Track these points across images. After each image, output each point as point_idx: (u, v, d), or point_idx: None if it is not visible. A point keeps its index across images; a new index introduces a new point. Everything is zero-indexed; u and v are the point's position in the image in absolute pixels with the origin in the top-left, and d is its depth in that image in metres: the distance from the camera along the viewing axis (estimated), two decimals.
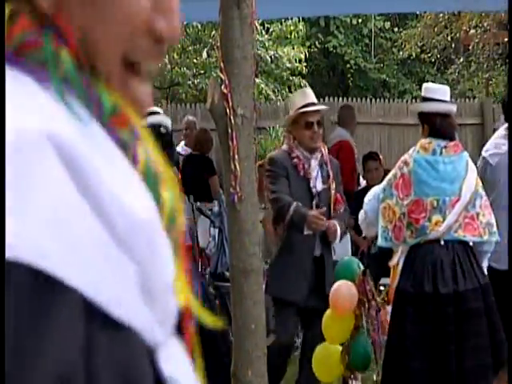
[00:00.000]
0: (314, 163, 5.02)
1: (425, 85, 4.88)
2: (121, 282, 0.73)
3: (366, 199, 4.78)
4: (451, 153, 4.56)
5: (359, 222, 4.85)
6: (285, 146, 5.12)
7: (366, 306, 4.71)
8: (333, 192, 5.05)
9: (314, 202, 4.98)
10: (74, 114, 0.75)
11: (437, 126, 4.57)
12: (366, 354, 4.71)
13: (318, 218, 4.80)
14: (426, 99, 4.66)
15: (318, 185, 5.03)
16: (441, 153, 4.54)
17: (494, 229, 4.54)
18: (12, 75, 0.75)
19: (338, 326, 4.67)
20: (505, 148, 5.22)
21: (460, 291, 4.35)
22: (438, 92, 4.66)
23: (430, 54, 15.90)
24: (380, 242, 4.63)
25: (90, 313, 0.71)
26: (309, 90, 5.27)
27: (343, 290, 4.64)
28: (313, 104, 5.08)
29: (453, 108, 4.68)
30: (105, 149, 0.76)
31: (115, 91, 0.79)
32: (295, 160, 4.97)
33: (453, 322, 4.31)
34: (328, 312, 4.66)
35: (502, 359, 4.38)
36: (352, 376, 4.81)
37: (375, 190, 4.75)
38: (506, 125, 5.37)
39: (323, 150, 5.13)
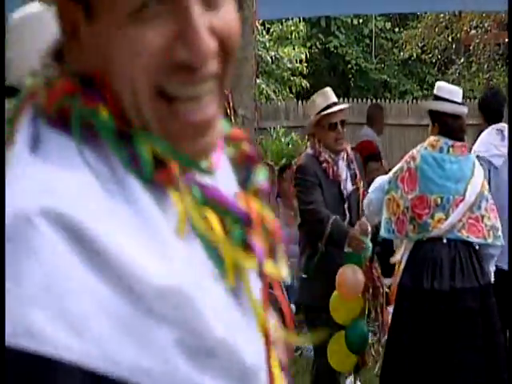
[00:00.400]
0: (342, 164, 4.92)
1: (438, 83, 4.89)
2: (146, 349, 0.71)
3: (372, 187, 4.79)
4: (458, 153, 4.58)
5: (364, 208, 4.84)
6: (310, 150, 4.98)
7: (371, 292, 4.72)
8: (361, 191, 5.01)
9: (345, 206, 4.89)
10: (103, 180, 0.75)
11: (448, 126, 4.59)
12: (362, 336, 4.69)
13: (359, 239, 4.70)
14: (438, 98, 4.67)
15: (348, 186, 4.94)
16: (448, 151, 4.56)
17: (499, 233, 4.54)
18: (50, 144, 0.76)
19: (344, 308, 4.67)
20: (504, 149, 5.36)
21: (457, 288, 4.36)
22: (451, 92, 4.68)
23: (430, 55, 15.89)
24: (383, 233, 4.64)
25: None
26: (329, 90, 5.11)
27: (348, 275, 4.63)
28: (334, 104, 4.97)
29: (465, 110, 4.71)
30: (137, 212, 0.74)
31: (159, 129, 0.78)
32: (324, 164, 4.86)
33: (445, 320, 4.33)
34: (335, 293, 4.65)
35: (500, 361, 4.38)
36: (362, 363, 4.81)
37: (381, 181, 4.77)
38: (495, 125, 5.51)
39: (347, 148, 5.04)
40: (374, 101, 13.34)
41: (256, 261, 0.80)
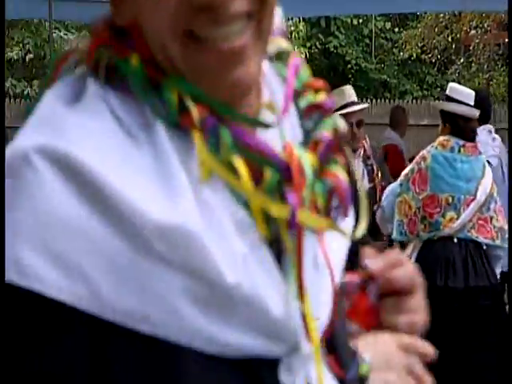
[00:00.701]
0: (357, 161, 4.88)
1: (452, 84, 4.92)
2: (144, 292, 0.70)
3: (384, 195, 4.81)
4: (469, 153, 4.62)
5: (377, 220, 4.85)
6: None
7: None
8: (378, 188, 4.97)
9: None
10: (127, 126, 0.74)
11: (459, 127, 4.63)
12: None
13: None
14: (452, 99, 4.70)
15: (365, 183, 4.89)
16: (459, 151, 4.60)
17: (507, 235, 4.58)
18: (86, 95, 0.76)
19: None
20: (497, 150, 5.63)
21: (471, 286, 4.39)
22: (465, 95, 4.71)
23: (430, 55, 15.89)
24: (395, 235, 4.66)
25: (100, 327, 0.69)
26: (347, 88, 4.98)
27: None
28: (352, 103, 4.85)
29: (476, 113, 4.75)
30: (154, 155, 0.73)
31: (188, 68, 0.77)
32: None
33: (458, 318, 4.35)
34: None
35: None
36: None
37: (392, 185, 4.80)
38: (485, 126, 5.66)
39: (365, 144, 4.96)
40: (374, 101, 13.34)
41: (288, 210, 0.76)
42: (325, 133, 0.84)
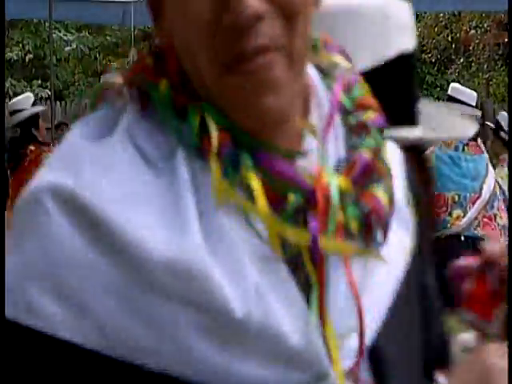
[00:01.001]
0: None
1: (453, 85, 5.00)
2: (152, 328, 0.70)
3: None
4: (472, 152, 4.67)
5: None
6: None
7: None
8: None
9: None
10: (148, 157, 0.74)
11: None
12: None
13: None
14: (453, 99, 4.74)
15: None
16: (463, 149, 4.65)
17: None
18: (119, 126, 0.76)
19: None
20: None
21: None
22: (465, 95, 4.77)
23: (430, 55, 15.90)
24: None
25: (108, 365, 0.69)
26: None
27: None
28: None
29: (478, 114, 4.80)
30: (170, 188, 0.73)
31: (218, 92, 0.76)
32: None
33: None
34: None
35: None
36: None
37: None
38: None
39: None
40: None
41: (308, 236, 0.74)
42: (363, 154, 0.81)
